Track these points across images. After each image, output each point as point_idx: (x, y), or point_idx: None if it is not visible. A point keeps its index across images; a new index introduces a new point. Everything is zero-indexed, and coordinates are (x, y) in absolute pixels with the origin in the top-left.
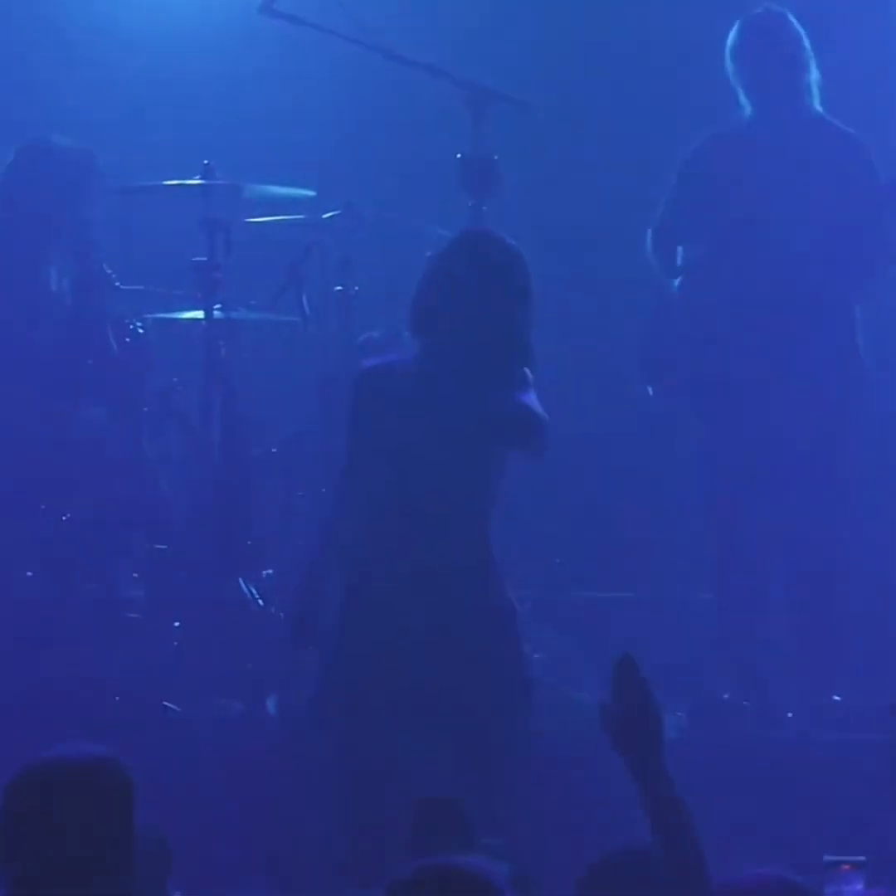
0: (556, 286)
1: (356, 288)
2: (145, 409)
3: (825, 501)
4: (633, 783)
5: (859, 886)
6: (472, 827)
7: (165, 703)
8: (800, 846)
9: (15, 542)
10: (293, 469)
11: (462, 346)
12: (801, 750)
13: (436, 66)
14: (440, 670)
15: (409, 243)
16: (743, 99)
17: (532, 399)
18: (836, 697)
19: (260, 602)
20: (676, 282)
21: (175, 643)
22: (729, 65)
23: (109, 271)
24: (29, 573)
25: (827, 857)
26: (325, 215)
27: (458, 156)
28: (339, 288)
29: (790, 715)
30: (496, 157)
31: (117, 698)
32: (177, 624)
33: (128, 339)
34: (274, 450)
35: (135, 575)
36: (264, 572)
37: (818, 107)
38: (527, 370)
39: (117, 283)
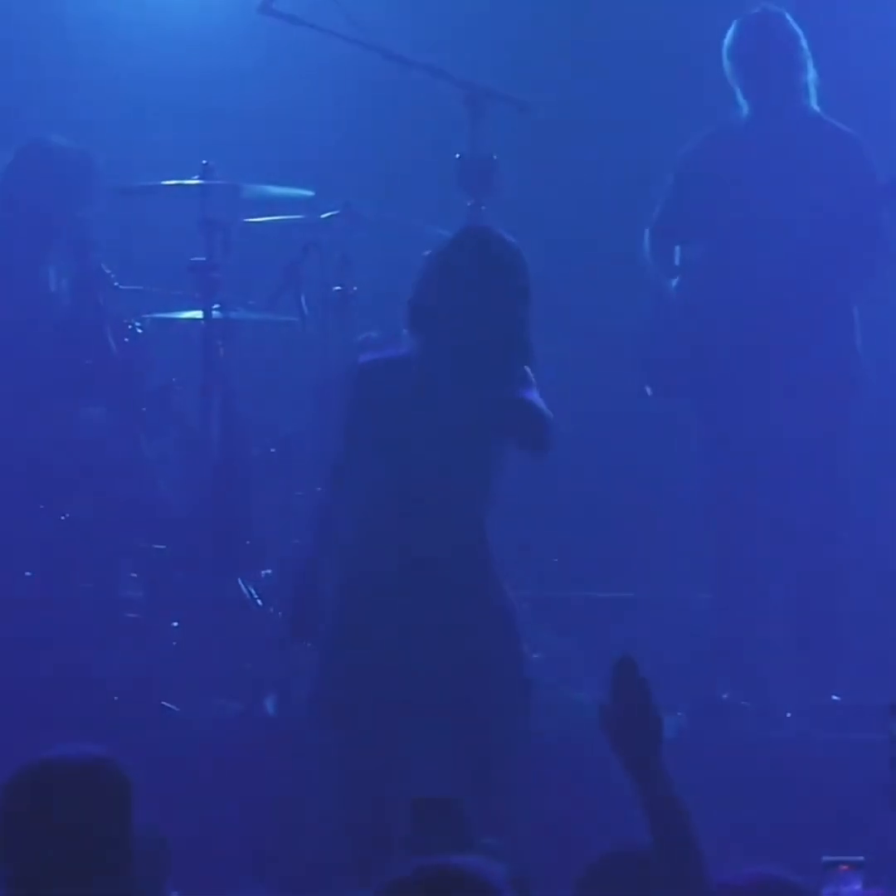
0: (555, 286)
1: (355, 288)
2: (144, 409)
3: (824, 501)
4: (631, 783)
5: (857, 887)
6: (471, 827)
7: (164, 703)
8: (798, 846)
9: (14, 541)
10: (292, 469)
11: (461, 343)
12: (800, 750)
13: (434, 65)
14: (438, 669)
15: (408, 243)
16: (740, 98)
17: (536, 396)
18: (836, 697)
19: (259, 602)
20: (675, 282)
21: (174, 643)
22: (726, 64)
23: (108, 271)
24: (28, 573)
25: (825, 858)
26: (324, 215)
27: (457, 155)
28: (337, 288)
29: (789, 715)
30: (495, 157)
31: (116, 698)
32: (176, 624)
33: (126, 339)
34: (273, 449)
35: (133, 575)
36: (263, 572)
37: (815, 106)
38: (527, 368)
39: (116, 283)
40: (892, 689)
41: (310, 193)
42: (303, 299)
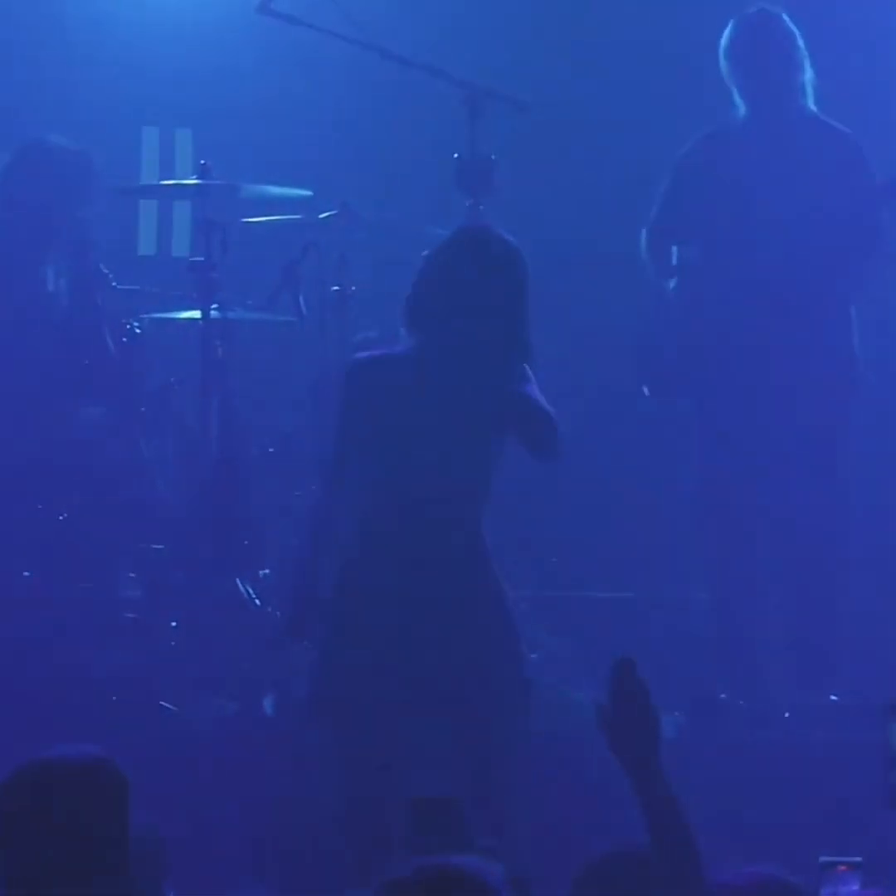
0: (552, 286)
1: (353, 288)
2: (142, 408)
3: (822, 502)
4: (629, 783)
5: (855, 887)
6: (469, 827)
7: (162, 703)
8: (796, 846)
9: (12, 541)
10: (290, 468)
11: (459, 341)
12: (797, 750)
13: (433, 65)
14: (438, 669)
15: (407, 243)
16: (737, 98)
17: (540, 397)
18: (833, 697)
19: (257, 602)
20: (672, 282)
21: (172, 643)
22: (723, 64)
23: (106, 271)
24: (26, 573)
25: (823, 858)
26: (322, 215)
27: (455, 155)
28: (335, 288)
29: (787, 715)
30: (493, 157)
31: (115, 698)
32: (174, 624)
33: (124, 339)
34: (271, 449)
35: (132, 575)
36: (261, 572)
37: (812, 106)
38: (527, 368)
39: (114, 283)
40: (890, 689)
41: (308, 193)
42: (301, 299)
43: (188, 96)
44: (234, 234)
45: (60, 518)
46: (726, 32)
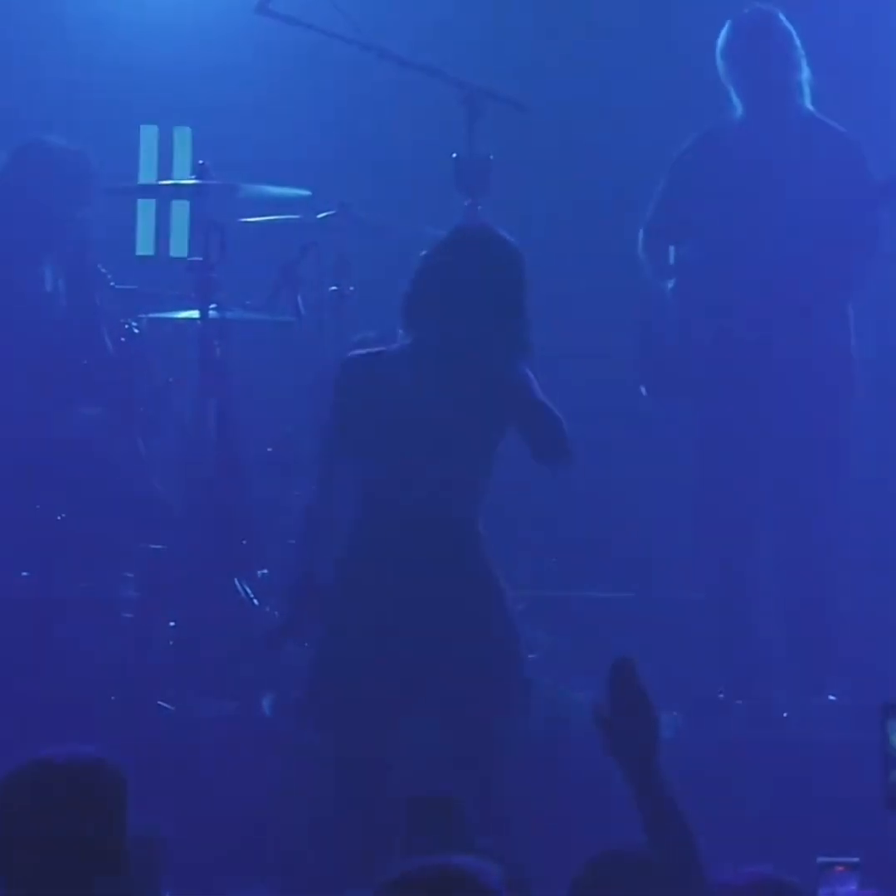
0: (550, 286)
1: (351, 288)
2: (140, 408)
3: (819, 502)
4: (627, 783)
5: (853, 888)
6: (468, 827)
7: (160, 703)
8: (794, 847)
9: (10, 542)
10: (289, 468)
11: (457, 339)
12: (796, 750)
13: (431, 65)
14: (436, 670)
15: (405, 243)
16: (734, 98)
17: (550, 403)
18: (832, 697)
19: (255, 601)
20: (670, 283)
21: (170, 643)
22: (720, 64)
23: (104, 271)
24: (24, 573)
25: (821, 859)
26: (321, 215)
27: (454, 155)
28: (334, 288)
29: (785, 715)
30: (492, 157)
31: (113, 698)
32: (172, 623)
33: (123, 339)
34: (269, 449)
35: (130, 575)
36: (260, 572)
37: (809, 106)
38: (527, 369)
39: (112, 283)
40: (888, 690)
41: (306, 193)
42: (299, 299)
43: (187, 95)
44: (233, 234)
45: (59, 518)
46: (723, 32)
